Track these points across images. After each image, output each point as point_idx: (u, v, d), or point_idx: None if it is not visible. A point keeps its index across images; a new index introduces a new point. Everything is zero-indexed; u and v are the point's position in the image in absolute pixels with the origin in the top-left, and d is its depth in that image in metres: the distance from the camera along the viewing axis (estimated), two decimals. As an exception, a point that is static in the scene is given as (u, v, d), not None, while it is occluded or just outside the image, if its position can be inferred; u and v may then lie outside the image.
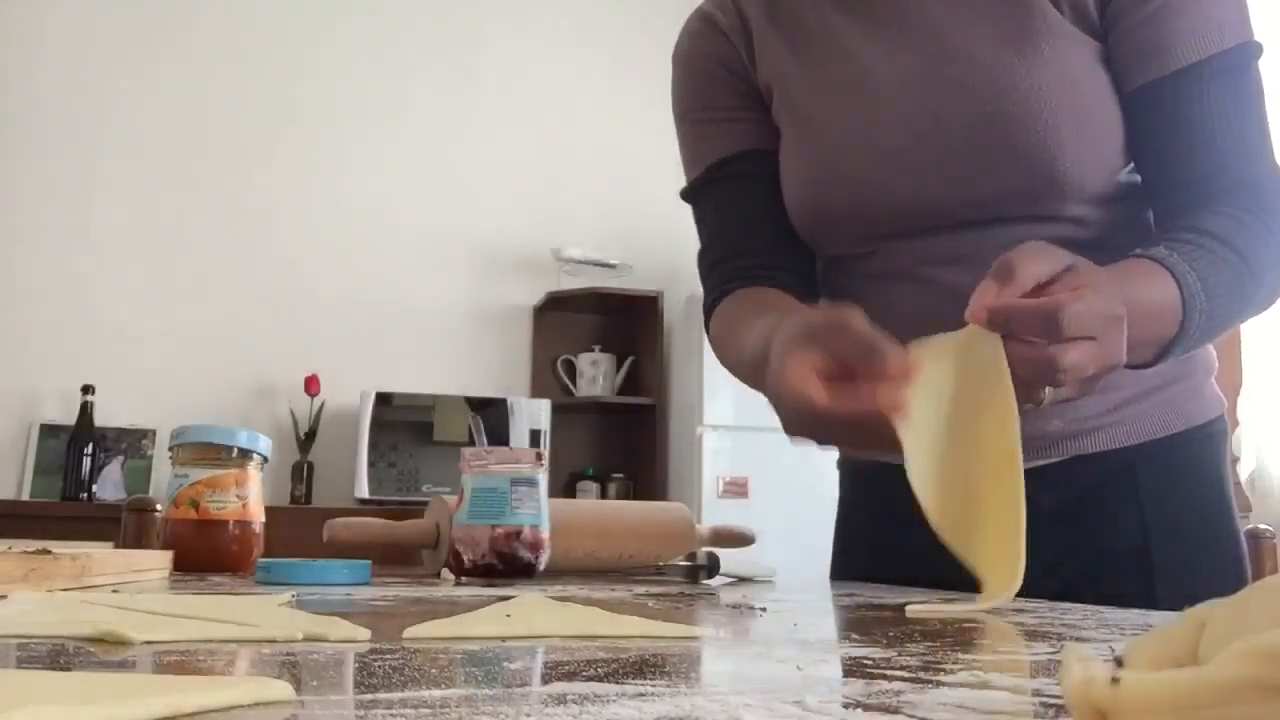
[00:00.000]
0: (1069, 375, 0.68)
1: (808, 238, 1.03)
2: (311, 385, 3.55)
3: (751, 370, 0.91)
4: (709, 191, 1.05)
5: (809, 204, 0.99)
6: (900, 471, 1.02)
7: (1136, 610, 0.70)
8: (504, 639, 0.48)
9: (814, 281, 1.04)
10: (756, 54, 1.03)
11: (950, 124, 0.90)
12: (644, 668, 0.39)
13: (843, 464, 1.14)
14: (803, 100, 0.99)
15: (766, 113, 1.03)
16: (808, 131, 0.99)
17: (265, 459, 1.13)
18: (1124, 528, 0.92)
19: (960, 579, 0.95)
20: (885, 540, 1.05)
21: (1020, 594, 0.86)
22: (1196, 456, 0.95)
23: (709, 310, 1.05)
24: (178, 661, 0.40)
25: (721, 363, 1.02)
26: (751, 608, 0.71)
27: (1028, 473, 0.95)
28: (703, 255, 1.07)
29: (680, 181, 1.09)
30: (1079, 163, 0.87)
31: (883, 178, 0.93)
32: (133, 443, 3.48)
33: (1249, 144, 0.86)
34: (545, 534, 0.98)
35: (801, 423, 0.74)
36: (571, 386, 3.85)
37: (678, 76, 1.08)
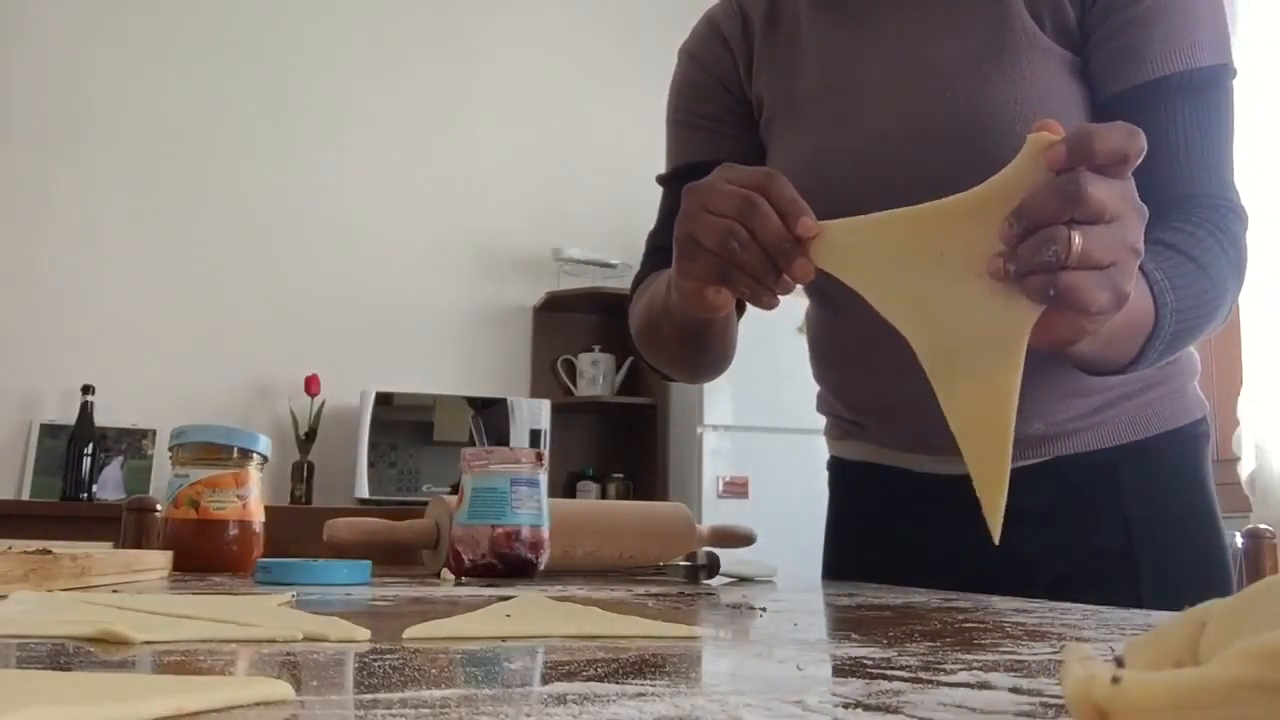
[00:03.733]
0: (1093, 207, 0.61)
1: None
2: (311, 385, 3.55)
3: (657, 295, 0.93)
4: (672, 187, 1.09)
5: None
6: (891, 471, 1.03)
7: (1137, 610, 0.70)
8: (504, 639, 0.48)
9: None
10: (755, 61, 1.06)
11: (929, 134, 0.91)
12: (644, 668, 0.39)
13: (833, 463, 1.14)
14: (791, 107, 1.01)
15: (748, 127, 1.07)
16: (794, 137, 1.01)
17: (265, 459, 1.13)
18: (1107, 528, 0.93)
19: (954, 577, 0.95)
20: (876, 538, 1.06)
21: (1013, 594, 0.86)
22: (1178, 458, 0.95)
23: (634, 289, 1.09)
24: (178, 661, 0.40)
25: (634, 328, 1.04)
26: (751, 608, 0.71)
27: (1010, 474, 0.96)
28: (650, 237, 1.11)
29: None
30: None
31: (863, 185, 0.95)
32: (133, 443, 3.48)
33: (1208, 159, 0.87)
34: (545, 534, 0.98)
35: (698, 213, 0.71)
36: (571, 386, 3.85)
37: (675, 75, 1.12)
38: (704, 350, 0.99)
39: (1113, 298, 0.63)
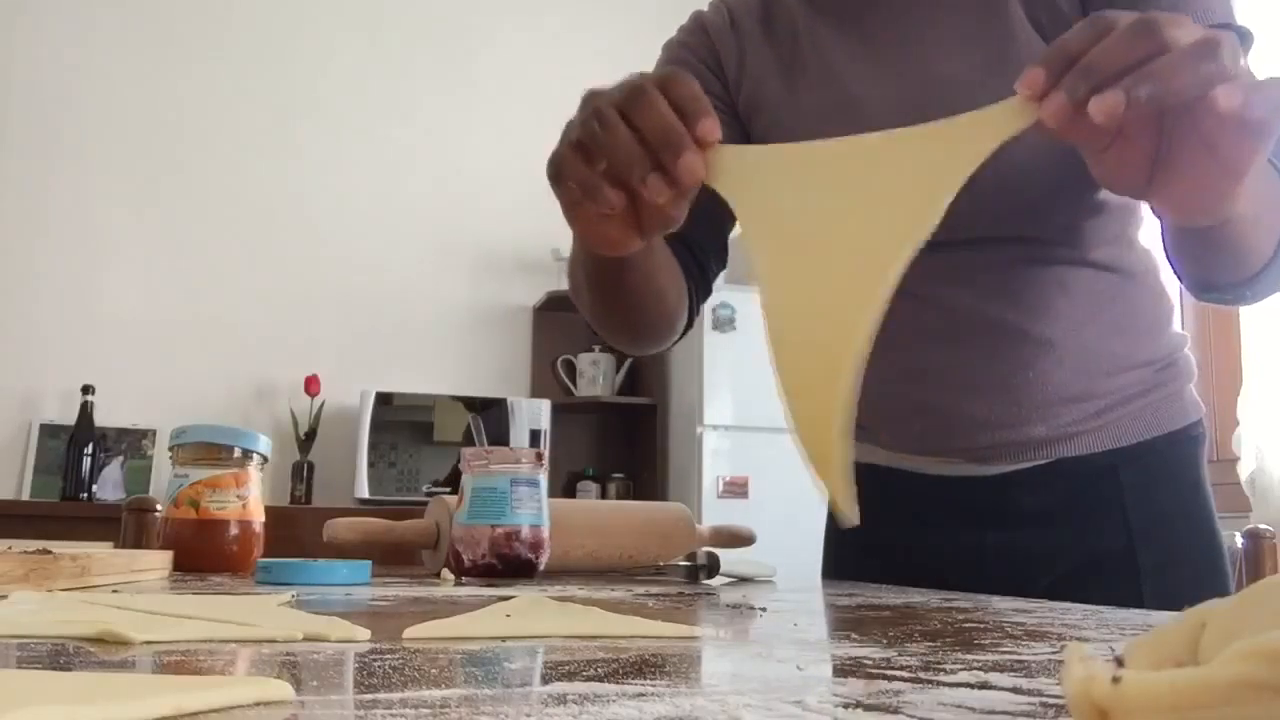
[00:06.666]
0: (1184, 40, 0.51)
1: None
2: (311, 385, 3.55)
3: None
4: None
5: None
6: (892, 473, 1.03)
7: (1137, 610, 0.70)
8: (504, 639, 0.48)
9: (707, 277, 1.04)
10: (746, 64, 1.04)
11: None
12: (644, 668, 0.39)
13: None
14: (791, 123, 1.00)
15: (730, 119, 1.03)
16: None
17: (265, 459, 1.13)
18: (1108, 529, 0.93)
19: (954, 578, 0.96)
20: (875, 539, 1.06)
21: (1013, 594, 0.86)
22: (1177, 459, 0.96)
23: None
24: (178, 661, 0.40)
25: (572, 289, 0.95)
26: (751, 608, 0.71)
27: (1011, 475, 0.97)
28: None
29: None
30: (1062, 186, 0.90)
31: None
32: (133, 443, 3.48)
33: None
34: (545, 534, 0.98)
35: (584, 121, 0.62)
36: (571, 386, 3.85)
37: (657, 63, 1.09)
38: (622, 302, 0.88)
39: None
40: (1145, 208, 0.94)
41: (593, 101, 0.62)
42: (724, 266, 1.08)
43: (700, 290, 1.04)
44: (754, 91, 1.03)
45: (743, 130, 1.05)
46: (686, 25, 1.09)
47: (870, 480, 1.06)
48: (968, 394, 0.94)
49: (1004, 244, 0.93)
